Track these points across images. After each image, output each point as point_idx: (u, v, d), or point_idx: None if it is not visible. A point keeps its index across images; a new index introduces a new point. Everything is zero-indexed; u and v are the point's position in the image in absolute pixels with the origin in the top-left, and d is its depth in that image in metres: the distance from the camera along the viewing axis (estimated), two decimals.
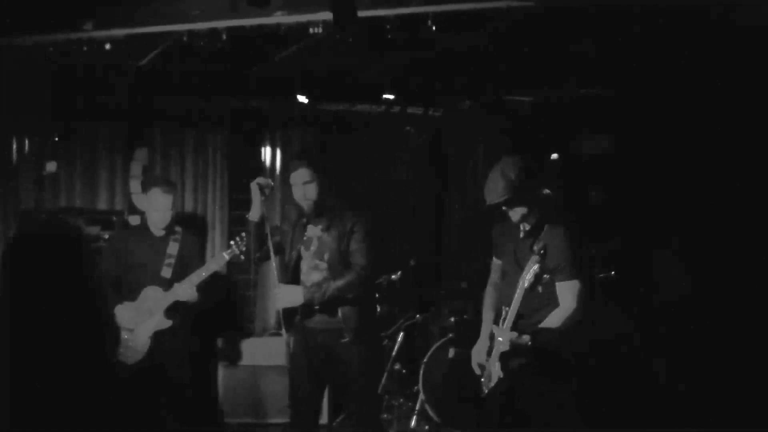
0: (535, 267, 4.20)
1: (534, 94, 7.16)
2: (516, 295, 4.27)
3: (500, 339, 4.28)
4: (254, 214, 4.91)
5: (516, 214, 4.36)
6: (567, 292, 4.26)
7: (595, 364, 4.68)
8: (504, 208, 4.34)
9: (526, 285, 4.23)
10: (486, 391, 4.40)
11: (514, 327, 4.28)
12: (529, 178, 4.30)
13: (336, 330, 4.82)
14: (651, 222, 6.20)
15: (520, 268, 4.33)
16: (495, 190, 4.29)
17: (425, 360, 6.38)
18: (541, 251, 4.20)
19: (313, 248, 4.89)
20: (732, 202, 5.72)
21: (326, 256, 4.84)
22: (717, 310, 5.54)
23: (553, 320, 4.25)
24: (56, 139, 6.73)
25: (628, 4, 4.75)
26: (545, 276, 4.26)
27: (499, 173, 4.30)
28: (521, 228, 4.44)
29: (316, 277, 4.86)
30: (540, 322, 4.26)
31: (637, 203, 6.36)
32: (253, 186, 4.89)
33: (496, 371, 4.31)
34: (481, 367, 4.48)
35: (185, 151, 7.20)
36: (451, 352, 6.33)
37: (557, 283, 4.29)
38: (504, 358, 4.27)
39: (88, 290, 2.21)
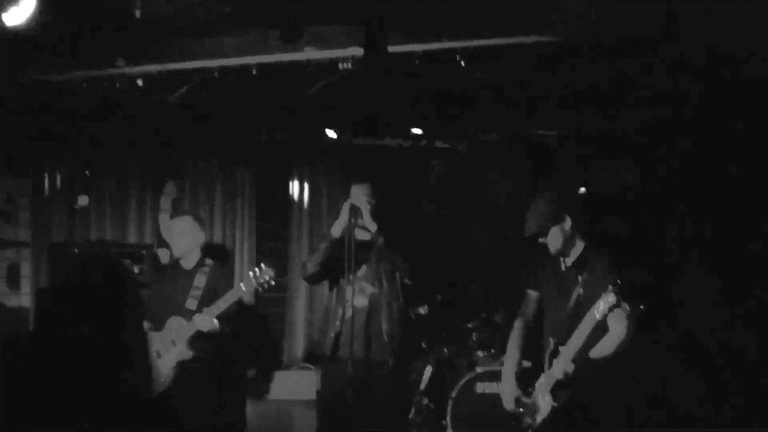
0: (611, 298, 4.09)
1: (559, 127, 7.16)
2: (582, 328, 4.17)
3: (558, 369, 4.24)
4: (336, 231, 4.92)
5: (553, 243, 4.39)
6: (615, 319, 4.22)
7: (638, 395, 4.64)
8: (541, 240, 4.39)
9: (598, 317, 4.12)
10: (532, 424, 4.36)
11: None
12: (565, 211, 4.38)
13: (375, 362, 4.82)
14: (676, 254, 6.17)
15: (568, 299, 4.33)
16: (533, 223, 4.37)
17: (453, 395, 6.34)
18: (617, 282, 4.14)
19: (360, 273, 4.92)
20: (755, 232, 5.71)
21: (375, 283, 4.89)
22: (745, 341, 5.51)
23: (605, 348, 4.22)
24: (87, 173, 6.81)
25: (652, 38, 4.77)
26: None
27: (534, 207, 4.39)
28: (561, 261, 4.46)
29: (360, 301, 4.87)
30: (590, 348, 4.23)
31: (660, 235, 6.33)
32: (346, 205, 4.91)
33: (546, 403, 4.28)
34: (520, 402, 4.44)
35: (214, 185, 7.26)
36: (480, 387, 6.28)
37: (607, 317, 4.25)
38: (556, 389, 4.25)
39: (130, 322, 2.23)
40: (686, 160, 6.23)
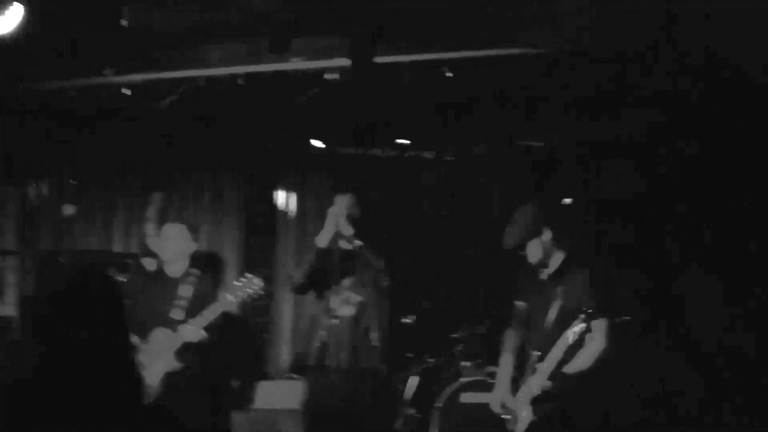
0: (582, 326, 4.19)
1: (548, 138, 7.20)
2: (556, 350, 4.25)
3: (535, 385, 4.29)
4: (322, 240, 4.92)
5: (533, 254, 4.42)
6: (595, 331, 4.26)
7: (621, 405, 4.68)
8: (521, 252, 4.43)
9: (570, 341, 4.22)
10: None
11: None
12: (544, 223, 4.41)
13: (364, 371, 4.83)
14: (662, 263, 6.21)
15: (547, 311, 4.37)
16: (512, 235, 4.42)
17: (439, 405, 6.34)
18: (588, 310, 4.21)
19: (346, 283, 4.93)
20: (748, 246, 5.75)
21: (362, 292, 4.90)
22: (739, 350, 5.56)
23: (582, 362, 4.26)
24: (73, 182, 6.79)
25: (640, 50, 4.81)
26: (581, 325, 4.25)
27: (517, 219, 4.43)
28: (541, 272, 4.48)
29: (346, 311, 4.88)
30: (568, 362, 4.27)
31: (647, 243, 6.37)
32: (330, 215, 4.92)
33: (526, 415, 4.32)
34: (506, 407, 4.48)
35: (201, 194, 7.25)
36: (466, 397, 6.29)
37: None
38: (536, 402, 4.28)
39: (121, 333, 2.23)
40: (674, 168, 6.27)
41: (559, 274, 4.45)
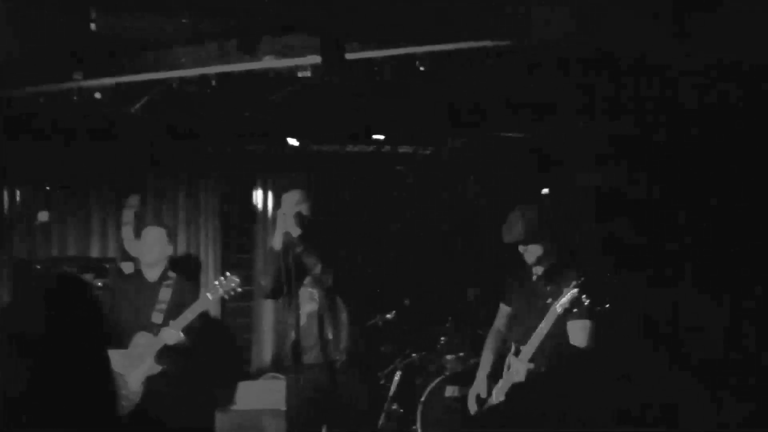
0: (574, 291, 4.17)
1: (524, 131, 7.20)
2: (543, 324, 4.24)
3: (516, 370, 4.29)
4: (276, 242, 4.83)
5: (531, 255, 4.44)
6: (579, 332, 4.27)
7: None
8: (520, 248, 4.47)
9: (559, 311, 4.19)
10: None
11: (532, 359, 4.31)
12: (548, 221, 4.48)
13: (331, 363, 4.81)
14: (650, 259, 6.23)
15: (535, 310, 4.39)
16: (512, 230, 4.44)
17: (422, 399, 6.35)
18: (580, 278, 4.19)
19: (307, 280, 4.89)
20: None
21: (320, 288, 4.86)
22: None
23: (565, 346, 4.29)
24: (48, 188, 6.74)
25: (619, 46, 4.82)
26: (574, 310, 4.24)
27: (519, 215, 4.45)
28: (534, 272, 4.50)
29: (309, 307, 4.85)
30: (548, 348, 4.28)
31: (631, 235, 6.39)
32: (279, 214, 4.86)
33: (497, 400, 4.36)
34: (481, 401, 4.52)
35: (177, 196, 7.22)
36: (449, 390, 6.29)
37: (568, 323, 4.31)
38: (515, 389, 4.29)
39: (96, 341, 2.21)
40: (666, 166, 6.29)
41: (549, 273, 4.47)
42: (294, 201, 4.85)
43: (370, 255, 5.42)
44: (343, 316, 4.83)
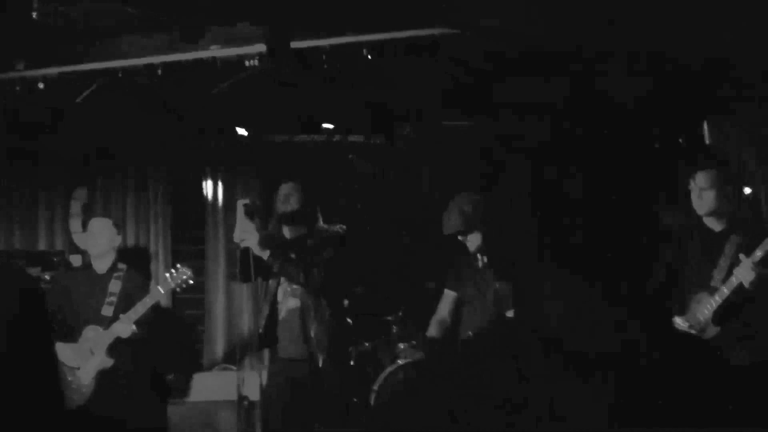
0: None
1: (473, 120, 7.24)
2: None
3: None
4: (236, 236, 4.78)
5: (473, 244, 4.49)
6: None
7: None
8: (460, 238, 4.52)
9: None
10: None
11: None
12: (483, 210, 4.50)
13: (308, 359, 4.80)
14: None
15: (484, 296, 4.42)
16: (450, 221, 4.50)
17: (376, 387, 6.36)
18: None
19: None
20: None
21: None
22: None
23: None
24: None
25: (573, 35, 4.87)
26: None
27: (455, 206, 4.50)
28: (479, 258, 4.54)
29: (292, 303, 4.84)
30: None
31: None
32: (239, 206, 4.79)
33: None
34: None
35: (126, 187, 7.15)
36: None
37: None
38: None
39: (40, 335, 2.19)
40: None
41: (495, 260, 4.52)
42: (284, 193, 4.81)
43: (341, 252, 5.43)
44: (328, 314, 4.79)
